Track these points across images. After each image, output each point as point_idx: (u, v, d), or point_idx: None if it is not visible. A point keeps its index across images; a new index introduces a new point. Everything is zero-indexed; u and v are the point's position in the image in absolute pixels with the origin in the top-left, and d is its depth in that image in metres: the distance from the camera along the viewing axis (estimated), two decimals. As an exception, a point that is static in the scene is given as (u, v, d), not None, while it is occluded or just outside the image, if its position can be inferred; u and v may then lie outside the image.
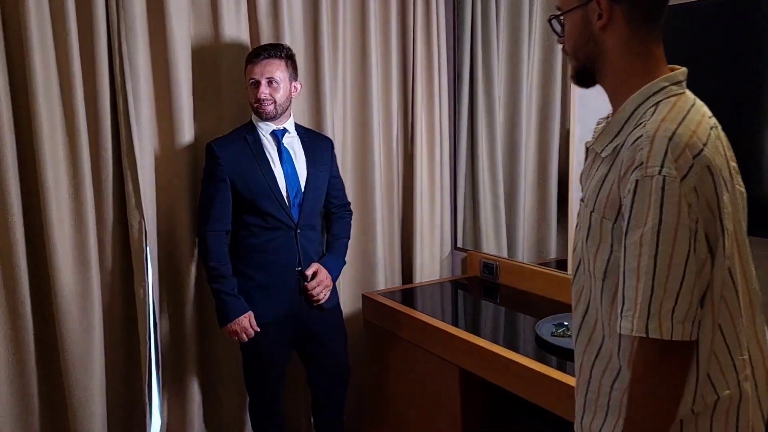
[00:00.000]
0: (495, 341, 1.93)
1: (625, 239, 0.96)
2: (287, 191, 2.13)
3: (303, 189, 2.17)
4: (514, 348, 1.86)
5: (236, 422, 2.45)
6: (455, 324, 2.13)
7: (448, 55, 2.75)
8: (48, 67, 1.97)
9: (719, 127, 1.05)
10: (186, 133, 2.20)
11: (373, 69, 2.55)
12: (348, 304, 2.57)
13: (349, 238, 2.37)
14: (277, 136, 2.16)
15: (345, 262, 2.33)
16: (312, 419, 2.46)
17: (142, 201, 2.10)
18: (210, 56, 2.28)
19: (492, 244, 2.69)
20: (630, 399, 0.99)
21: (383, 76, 2.62)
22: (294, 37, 2.37)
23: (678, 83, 1.03)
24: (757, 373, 1.03)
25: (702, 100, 1.06)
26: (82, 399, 2.06)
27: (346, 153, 2.59)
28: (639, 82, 1.03)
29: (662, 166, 0.92)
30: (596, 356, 1.10)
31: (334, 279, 2.24)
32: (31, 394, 2.06)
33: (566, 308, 1.17)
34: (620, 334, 1.01)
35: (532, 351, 1.84)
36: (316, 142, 2.26)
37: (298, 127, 2.25)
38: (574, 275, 1.15)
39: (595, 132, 1.16)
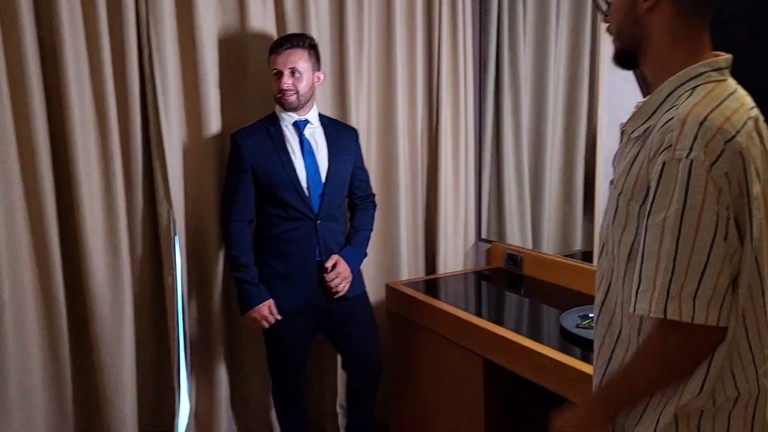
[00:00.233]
0: (519, 332, 1.93)
1: (647, 220, 0.96)
2: (308, 182, 2.14)
3: (324, 180, 2.17)
4: (538, 339, 1.86)
5: (262, 406, 2.50)
6: (479, 315, 2.13)
7: (473, 43, 2.73)
8: (79, 60, 2.01)
9: (761, 119, 1.02)
10: (213, 124, 2.23)
11: (398, 58, 2.55)
12: (371, 294, 2.58)
13: (371, 230, 2.36)
14: (299, 127, 2.17)
15: (366, 254, 2.32)
16: (346, 405, 2.48)
17: (171, 191, 2.13)
18: (236, 48, 2.30)
19: (517, 236, 2.68)
20: (630, 367, 1.01)
21: (408, 66, 2.62)
22: (320, 28, 2.38)
23: (719, 70, 1.01)
24: None
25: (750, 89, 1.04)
26: (114, 382, 2.11)
27: (371, 143, 2.59)
28: (680, 68, 1.01)
29: (691, 150, 0.91)
30: (617, 340, 1.10)
31: (354, 271, 2.23)
32: (64, 377, 2.12)
33: (591, 300, 1.16)
34: (641, 318, 1.01)
35: (556, 342, 1.84)
36: (339, 132, 2.26)
37: (322, 117, 2.25)
38: (599, 258, 1.15)
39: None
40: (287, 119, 2.17)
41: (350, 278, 2.20)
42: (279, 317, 2.13)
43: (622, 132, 1.11)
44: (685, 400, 0.97)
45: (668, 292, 0.91)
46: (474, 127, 2.78)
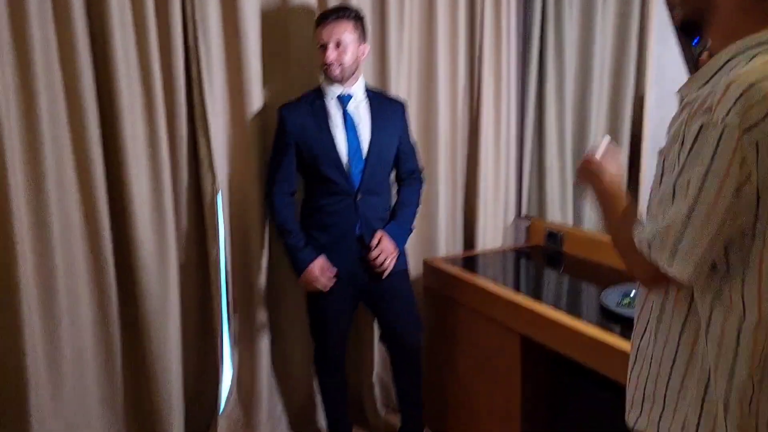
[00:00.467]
0: (558, 309, 1.92)
1: (677, 178, 0.95)
2: (348, 157, 2.15)
3: (365, 155, 2.17)
4: (577, 316, 1.85)
5: (303, 374, 2.56)
6: (517, 291, 2.12)
7: (517, 14, 2.68)
8: (126, 36, 2.04)
9: None
10: (255, 98, 2.26)
11: (439, 31, 2.52)
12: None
13: (417, 206, 2.34)
14: (343, 101, 2.17)
15: (412, 230, 2.32)
16: (392, 381, 2.51)
17: (215, 164, 2.18)
18: (279, 22, 2.31)
19: (557, 213, 2.65)
20: (619, 244, 1.10)
21: (450, 38, 2.58)
22: (360, 0, 2.37)
23: None
24: None
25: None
26: (160, 350, 2.19)
27: (410, 117, 2.58)
28: (744, 37, 0.97)
29: (728, 114, 0.88)
30: (651, 310, 1.10)
31: (399, 246, 2.23)
32: (113, 343, 2.21)
33: (633, 278, 1.16)
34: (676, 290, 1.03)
35: (596, 320, 1.82)
36: (385, 106, 2.24)
37: (368, 90, 2.24)
38: None
39: None
40: (331, 93, 2.17)
41: (396, 254, 2.20)
42: (333, 271, 2.15)
43: (679, 98, 1.08)
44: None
45: (665, 240, 0.97)
46: (516, 101, 2.74)
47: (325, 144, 2.13)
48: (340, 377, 2.38)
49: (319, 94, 2.19)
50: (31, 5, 1.89)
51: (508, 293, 2.10)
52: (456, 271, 2.38)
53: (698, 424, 1.02)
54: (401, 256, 2.27)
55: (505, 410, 2.15)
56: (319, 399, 2.58)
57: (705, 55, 1.12)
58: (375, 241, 2.17)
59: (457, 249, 2.76)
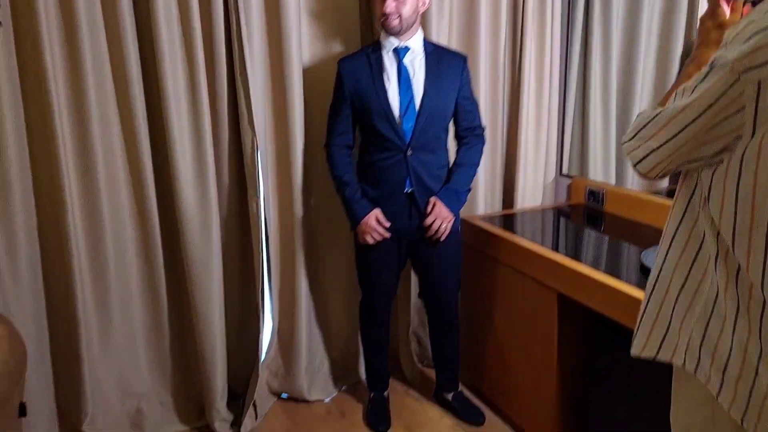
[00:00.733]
0: (597, 268, 1.91)
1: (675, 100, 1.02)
2: (400, 112, 2.12)
3: (418, 110, 2.13)
4: (616, 276, 1.83)
5: (344, 326, 2.63)
6: (555, 250, 2.11)
7: (563, -31, 2.59)
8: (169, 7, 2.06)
9: None
10: (294, 54, 2.25)
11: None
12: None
13: (475, 166, 2.26)
14: (399, 53, 2.14)
15: (469, 190, 2.26)
16: (429, 339, 2.55)
17: (254, 119, 2.20)
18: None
19: (599, 171, 2.60)
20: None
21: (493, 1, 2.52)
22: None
23: None
24: None
25: None
26: (203, 299, 2.26)
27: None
28: None
29: (736, 50, 0.91)
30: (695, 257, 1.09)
31: (454, 211, 2.19)
32: (159, 291, 2.29)
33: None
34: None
35: (635, 280, 1.81)
36: (444, 59, 2.17)
37: (427, 43, 2.19)
38: None
39: None
40: (388, 45, 2.14)
41: (450, 219, 2.19)
42: (387, 224, 2.17)
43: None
44: None
45: (638, 133, 1.08)
46: (560, 58, 2.67)
47: (378, 97, 2.11)
48: (383, 329, 2.41)
49: (377, 47, 2.16)
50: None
51: (545, 251, 2.09)
52: (494, 228, 2.37)
53: (701, 344, 1.06)
54: (455, 219, 2.24)
55: (541, 369, 2.16)
56: (360, 349, 2.65)
57: (748, 6, 1.10)
58: (429, 208, 2.16)
59: (496, 207, 2.74)
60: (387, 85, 2.12)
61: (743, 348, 1.00)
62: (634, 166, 1.09)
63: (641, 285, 1.75)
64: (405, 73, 2.13)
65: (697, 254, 1.08)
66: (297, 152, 2.32)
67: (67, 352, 2.15)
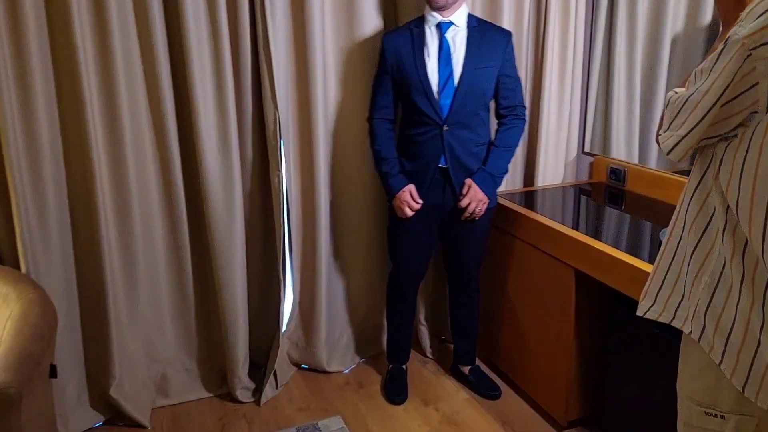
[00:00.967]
0: (614, 245, 1.91)
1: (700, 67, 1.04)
2: (438, 87, 2.13)
3: (456, 86, 2.12)
4: (634, 253, 1.84)
5: (365, 299, 2.68)
6: (574, 227, 2.11)
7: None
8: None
9: None
10: (317, 30, 2.26)
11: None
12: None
13: (512, 148, 2.25)
14: (441, 28, 2.13)
15: (506, 171, 2.27)
16: (449, 312, 2.58)
17: (277, 94, 2.22)
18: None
19: (622, 150, 2.58)
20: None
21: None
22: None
23: None
24: None
25: None
26: (226, 271, 2.32)
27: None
28: None
29: (747, 28, 0.93)
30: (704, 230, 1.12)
31: (489, 193, 2.21)
32: (185, 264, 2.36)
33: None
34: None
35: (652, 257, 1.81)
36: (487, 35, 2.15)
37: (471, 18, 2.17)
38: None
39: None
40: (431, 20, 2.14)
41: (485, 201, 2.20)
42: (420, 201, 2.21)
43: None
44: None
45: (672, 123, 1.10)
46: (583, 34, 2.64)
47: (416, 72, 2.12)
48: (408, 306, 2.46)
49: (420, 22, 2.17)
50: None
51: (562, 228, 2.09)
52: (512, 205, 2.38)
53: (706, 312, 1.09)
54: (490, 199, 2.25)
55: (557, 345, 2.18)
56: (381, 323, 2.70)
57: None
58: (465, 190, 2.19)
59: (517, 185, 2.75)
60: (427, 59, 2.13)
61: (746, 318, 1.03)
62: (667, 154, 1.12)
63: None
64: (446, 48, 2.12)
65: (706, 227, 1.10)
66: (319, 127, 2.35)
67: (96, 319, 2.23)
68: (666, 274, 1.19)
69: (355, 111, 2.43)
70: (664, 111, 1.15)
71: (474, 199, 2.18)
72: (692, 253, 1.13)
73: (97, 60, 2.05)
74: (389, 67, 2.17)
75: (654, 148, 2.45)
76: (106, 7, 2.00)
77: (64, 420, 2.18)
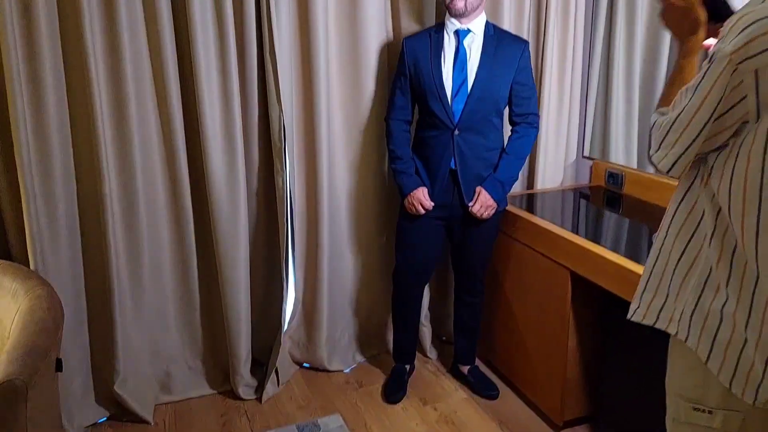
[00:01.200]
0: (610, 248, 1.94)
1: (685, 88, 1.08)
2: (452, 92, 2.19)
3: (469, 91, 2.18)
4: (628, 256, 1.87)
5: (363, 301, 2.71)
6: (571, 230, 2.15)
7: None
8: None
9: None
10: (321, 35, 2.30)
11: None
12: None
13: (522, 157, 2.31)
14: (459, 35, 2.20)
15: (516, 178, 2.33)
16: (453, 312, 2.61)
17: (282, 97, 2.27)
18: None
19: (621, 154, 2.61)
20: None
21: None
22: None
23: None
24: None
25: None
26: (230, 269, 2.37)
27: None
28: None
29: (731, 44, 0.97)
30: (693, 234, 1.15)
31: (498, 199, 2.26)
32: (190, 262, 2.40)
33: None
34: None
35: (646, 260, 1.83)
36: (503, 44, 2.22)
37: (489, 26, 2.24)
38: None
39: None
40: (450, 27, 2.21)
41: (494, 206, 2.27)
42: (431, 203, 2.27)
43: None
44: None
45: (660, 139, 1.13)
46: (583, 39, 2.68)
47: (432, 76, 2.19)
48: (415, 305, 2.50)
49: (440, 28, 2.24)
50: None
51: (558, 230, 2.13)
52: (512, 207, 2.41)
53: (693, 313, 1.13)
54: (500, 203, 2.31)
55: (554, 346, 2.21)
56: (382, 323, 2.74)
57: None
58: (475, 197, 2.25)
59: (516, 187, 2.78)
60: (442, 64, 2.19)
61: (732, 318, 1.07)
62: (666, 172, 1.14)
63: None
64: (462, 54, 2.19)
65: (694, 231, 1.14)
66: (322, 129, 2.39)
67: (102, 316, 2.28)
68: (649, 278, 1.23)
69: (357, 114, 2.48)
70: (650, 133, 1.17)
71: (484, 204, 2.25)
72: (680, 257, 1.16)
73: (107, 62, 2.10)
74: (407, 69, 2.24)
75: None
76: (116, 11, 2.05)
77: (69, 414, 2.23)
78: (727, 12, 1.15)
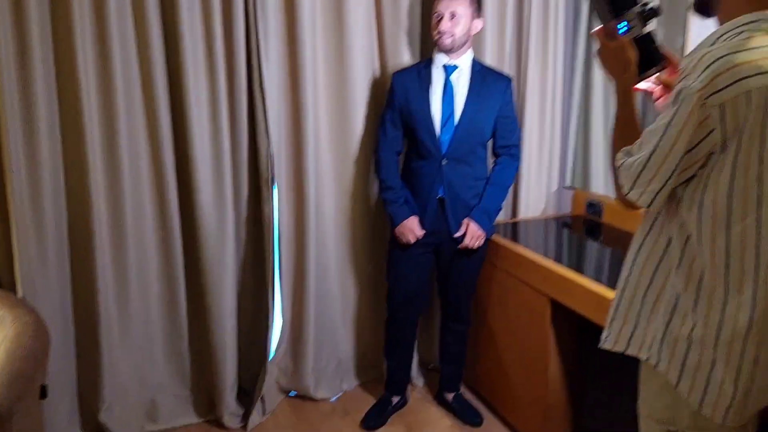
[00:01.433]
0: (587, 275, 1.99)
1: (653, 126, 1.12)
2: (440, 124, 2.29)
3: (456, 124, 2.28)
4: (604, 282, 1.91)
5: (349, 330, 2.73)
6: (552, 258, 2.20)
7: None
8: (193, 13, 2.20)
9: None
10: (309, 65, 2.38)
11: (489, 3, 2.57)
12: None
13: (506, 187, 2.43)
14: (447, 70, 2.30)
15: (501, 207, 2.44)
16: (439, 341, 2.65)
17: (269, 128, 2.33)
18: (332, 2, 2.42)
19: (601, 184, 2.68)
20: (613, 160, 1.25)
21: (498, 5, 2.62)
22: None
23: None
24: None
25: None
26: (217, 298, 2.40)
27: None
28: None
29: (697, 80, 1.03)
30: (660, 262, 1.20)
31: (486, 228, 2.35)
32: (177, 291, 2.42)
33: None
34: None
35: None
36: (488, 80, 2.34)
37: (476, 63, 2.36)
38: None
39: None
40: (438, 62, 2.31)
41: (482, 236, 2.35)
42: (423, 231, 2.33)
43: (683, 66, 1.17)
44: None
45: (635, 177, 1.15)
46: (562, 71, 2.76)
47: (422, 108, 2.30)
48: (408, 335, 2.54)
49: (429, 62, 2.35)
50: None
51: (538, 258, 2.18)
52: (496, 237, 2.46)
53: (663, 339, 1.18)
54: (487, 231, 2.38)
55: (535, 372, 2.24)
56: (371, 350, 2.76)
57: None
58: (463, 228, 2.32)
59: (500, 216, 2.82)
60: (431, 98, 2.29)
61: (700, 342, 1.12)
62: (647, 207, 1.18)
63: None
64: (449, 89, 2.30)
65: (661, 260, 1.20)
66: (310, 159, 2.45)
67: (89, 344, 2.29)
68: (618, 306, 1.28)
69: (345, 144, 2.54)
70: (616, 175, 1.21)
71: (473, 235, 2.32)
72: (648, 285, 1.22)
73: (99, 95, 2.16)
74: (397, 102, 2.33)
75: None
76: (109, 45, 2.11)
77: (54, 442, 2.23)
78: (657, 56, 1.23)
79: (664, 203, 1.18)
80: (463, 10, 2.22)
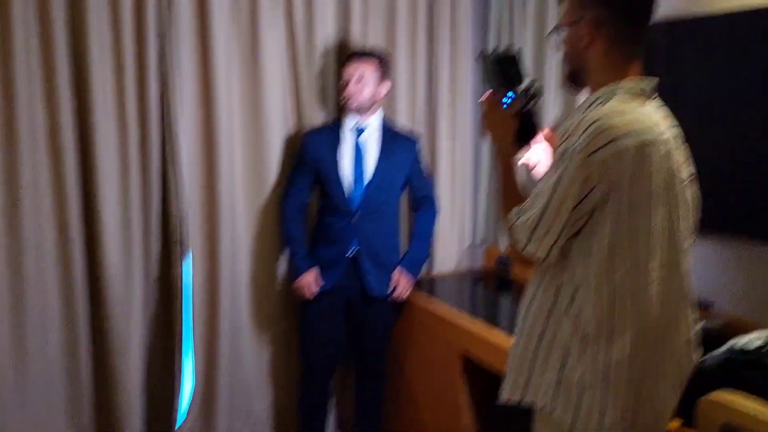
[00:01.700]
0: (494, 327, 2.07)
1: (542, 184, 1.24)
2: (351, 181, 2.36)
3: (366, 182, 2.37)
4: (511, 334, 1.99)
5: (264, 393, 2.68)
6: (467, 312, 2.26)
7: (472, 42, 2.86)
8: (105, 67, 2.20)
9: (671, 139, 1.23)
10: (224, 133, 2.40)
11: (400, 56, 2.70)
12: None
13: (429, 236, 2.59)
14: (357, 131, 2.39)
15: (427, 255, 2.57)
16: (354, 398, 2.64)
17: (180, 189, 2.32)
18: (249, 60, 2.47)
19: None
20: (505, 189, 1.38)
21: (410, 67, 2.74)
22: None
23: (638, 90, 1.23)
24: None
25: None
26: (122, 360, 2.30)
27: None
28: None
29: (578, 142, 1.16)
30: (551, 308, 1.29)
31: (414, 275, 2.48)
32: (80, 351, 2.30)
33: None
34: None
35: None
36: (398, 140, 2.46)
37: (385, 123, 2.46)
38: None
39: None
40: (348, 123, 2.40)
41: (412, 284, 2.47)
42: (321, 284, 2.38)
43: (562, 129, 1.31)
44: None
45: (532, 236, 1.25)
46: (471, 133, 2.91)
47: (333, 167, 2.37)
48: (322, 396, 2.52)
49: (339, 123, 2.43)
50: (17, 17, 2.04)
51: (451, 313, 2.25)
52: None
53: (555, 390, 1.26)
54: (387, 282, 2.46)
55: (450, 427, 2.27)
56: (286, 413, 2.70)
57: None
58: (395, 279, 2.43)
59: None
60: (342, 157, 2.37)
61: (591, 388, 1.20)
62: (544, 260, 1.27)
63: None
64: (359, 148, 2.39)
65: (551, 310, 1.28)
66: (225, 219, 2.44)
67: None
68: (514, 357, 1.36)
69: (259, 203, 2.54)
70: (511, 231, 1.31)
71: (405, 286, 2.42)
72: (540, 335, 1.29)
73: (2, 140, 2.08)
74: (308, 160, 2.40)
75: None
76: (13, 85, 2.06)
77: None
78: (534, 129, 1.36)
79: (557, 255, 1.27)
80: (370, 74, 2.33)
